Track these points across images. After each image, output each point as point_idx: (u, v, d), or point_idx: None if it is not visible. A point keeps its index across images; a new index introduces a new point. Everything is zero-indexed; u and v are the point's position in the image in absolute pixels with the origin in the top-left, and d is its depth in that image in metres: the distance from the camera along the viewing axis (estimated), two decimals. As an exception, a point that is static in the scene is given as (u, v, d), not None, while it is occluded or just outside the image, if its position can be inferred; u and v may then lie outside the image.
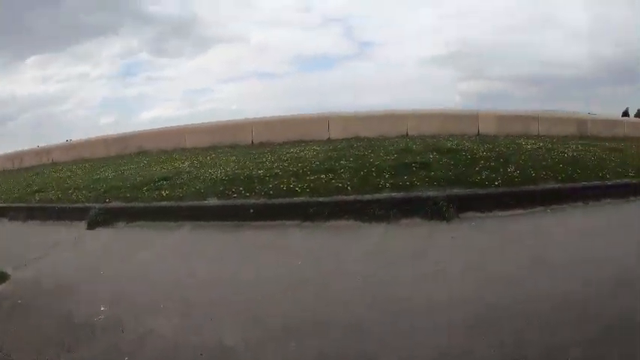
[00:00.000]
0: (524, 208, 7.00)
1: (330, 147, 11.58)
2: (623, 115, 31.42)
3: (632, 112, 33.76)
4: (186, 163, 11.29)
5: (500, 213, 6.76)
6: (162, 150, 15.64)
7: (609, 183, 8.32)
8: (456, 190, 7.01)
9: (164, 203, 7.83)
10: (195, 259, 5.77)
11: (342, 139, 13.61)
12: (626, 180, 8.79)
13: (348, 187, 7.25)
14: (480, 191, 7.15)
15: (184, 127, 18.08)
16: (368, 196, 6.86)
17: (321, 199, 6.96)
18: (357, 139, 13.49)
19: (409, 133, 14.53)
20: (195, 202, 7.65)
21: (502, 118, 16.19)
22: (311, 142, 13.70)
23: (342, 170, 8.29)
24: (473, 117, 15.74)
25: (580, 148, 12.03)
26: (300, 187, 7.36)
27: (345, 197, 6.97)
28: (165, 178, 9.30)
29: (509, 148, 10.46)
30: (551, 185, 7.67)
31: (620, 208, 7.69)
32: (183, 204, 7.69)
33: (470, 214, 6.63)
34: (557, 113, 18.86)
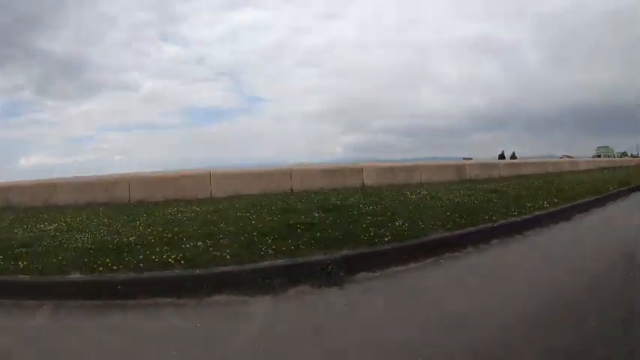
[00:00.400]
0: (416, 260, 6.85)
1: (211, 207, 11.03)
2: (499, 158, 34.49)
3: (507, 155, 37.35)
4: (53, 226, 9.84)
5: (393, 269, 6.53)
6: (30, 207, 13.82)
7: (495, 224, 8.69)
8: (345, 251, 6.69)
9: (21, 278, 6.49)
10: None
11: (225, 198, 13.20)
12: (511, 219, 9.33)
13: (228, 256, 6.60)
14: (370, 249, 6.90)
15: (56, 180, 16.34)
16: (250, 266, 6.22)
17: (198, 271, 6.19)
18: (240, 197, 13.14)
19: (294, 189, 14.55)
20: (58, 277, 6.42)
21: (386, 169, 16.84)
22: (192, 200, 13.14)
23: (221, 236, 7.65)
24: (357, 170, 16.15)
25: (462, 192, 12.68)
26: (173, 258, 6.58)
27: (224, 268, 6.26)
28: (25, 245, 7.85)
29: (395, 201, 10.63)
30: (441, 234, 7.72)
31: (507, 245, 8.06)
32: (43, 279, 6.42)
33: (362, 274, 6.29)
34: (436, 161, 20.11)
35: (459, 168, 19.37)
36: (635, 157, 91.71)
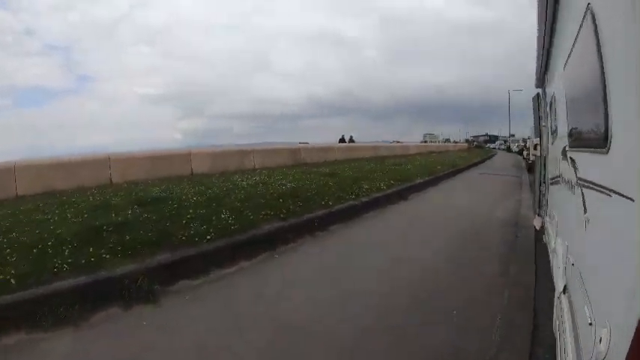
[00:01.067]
0: (248, 258, 5.91)
1: (9, 210, 8.42)
2: (340, 142, 35.34)
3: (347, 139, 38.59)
4: None
5: (220, 273, 5.51)
6: None
7: (333, 209, 8.21)
8: (161, 256, 5.46)
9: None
10: None
11: (32, 196, 10.72)
12: (350, 202, 8.99)
13: (12, 280, 4.86)
14: (192, 251, 5.72)
15: None
16: (40, 290, 4.56)
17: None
18: (51, 193, 10.80)
19: (114, 181, 12.74)
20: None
21: (217, 155, 15.63)
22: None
23: (9, 250, 5.67)
24: (185, 156, 14.67)
25: (297, 177, 12.17)
26: None
27: (7, 297, 4.64)
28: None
29: (224, 189, 9.61)
30: (273, 225, 6.90)
31: (347, 230, 7.63)
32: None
33: (183, 283, 5.17)
34: (271, 145, 19.51)
35: (294, 152, 18.95)
36: (457, 142, 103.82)
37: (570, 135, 3.18)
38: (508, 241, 7.17)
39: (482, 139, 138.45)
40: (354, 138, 41.39)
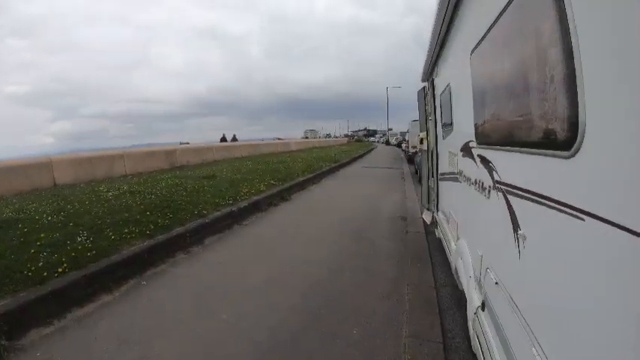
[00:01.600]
0: (109, 290, 4.91)
1: None
2: (221, 141, 34.06)
3: (229, 138, 37.27)
4: None
5: (77, 313, 4.44)
6: None
7: (207, 219, 7.40)
8: (1, 303, 4.21)
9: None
10: None
11: None
12: (227, 209, 8.24)
13: None
14: (41, 291, 4.50)
15: None
16: None
17: None
18: None
19: None
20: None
21: (83, 161, 13.93)
22: None
23: None
24: (45, 165, 12.89)
25: (171, 182, 11.14)
26: None
27: None
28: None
29: (86, 202, 8.42)
30: (139, 245, 5.90)
31: (224, 243, 6.77)
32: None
33: (33, 334, 4.04)
34: (144, 148, 18.05)
35: (169, 154, 17.60)
36: (337, 137, 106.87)
37: (480, 130, 2.80)
38: (398, 236, 6.93)
39: (361, 133, 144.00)
40: (236, 137, 40.26)
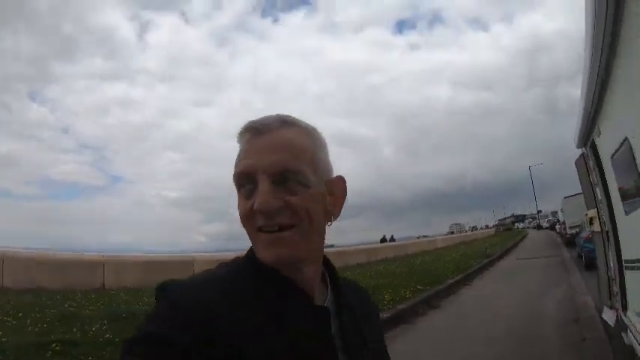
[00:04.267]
0: None
1: None
2: (381, 241, 33.30)
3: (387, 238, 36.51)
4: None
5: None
6: None
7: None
8: None
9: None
10: None
11: (19, 291, 9.68)
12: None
13: None
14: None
15: None
16: None
17: None
18: (37, 291, 9.72)
19: (107, 285, 11.51)
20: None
21: (215, 262, 13.95)
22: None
23: None
24: (188, 263, 13.07)
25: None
26: None
27: None
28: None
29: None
30: None
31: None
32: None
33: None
34: None
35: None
36: (487, 226, 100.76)
37: None
38: (573, 344, 5.46)
39: (508, 220, 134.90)
40: (394, 237, 39.17)
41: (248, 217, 0.82)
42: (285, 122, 0.87)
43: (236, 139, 0.87)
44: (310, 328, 0.83)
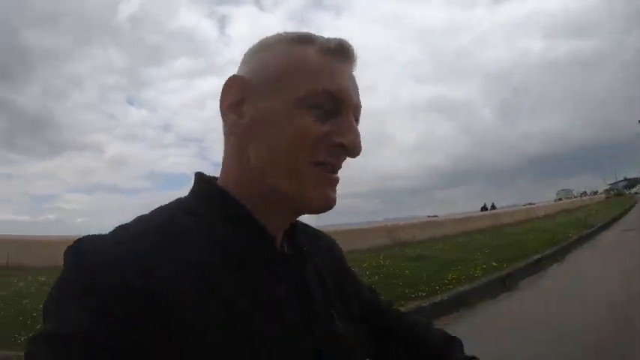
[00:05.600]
0: None
1: None
2: (482, 210, 31.00)
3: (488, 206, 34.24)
4: None
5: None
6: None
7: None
8: None
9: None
10: None
11: None
12: (415, 303, 5.92)
13: None
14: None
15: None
16: None
17: None
18: None
19: None
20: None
21: None
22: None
23: None
24: None
25: (372, 264, 9.38)
26: None
27: None
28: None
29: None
30: None
31: None
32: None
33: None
34: (393, 221, 16.77)
35: (391, 230, 15.78)
36: (596, 193, 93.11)
37: None
38: None
39: (621, 184, 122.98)
40: (495, 205, 36.22)
41: (312, 144, 0.66)
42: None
43: (309, 42, 0.71)
44: (281, 278, 0.69)
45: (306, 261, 0.77)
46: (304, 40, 0.71)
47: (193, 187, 0.75)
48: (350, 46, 0.71)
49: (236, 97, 0.71)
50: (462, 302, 6.44)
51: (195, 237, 0.63)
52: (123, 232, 0.61)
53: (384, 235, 15.55)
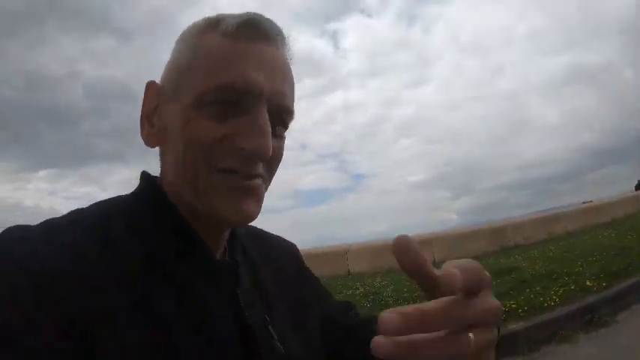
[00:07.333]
0: None
1: None
2: (636, 189, 26.25)
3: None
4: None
5: None
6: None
7: None
8: None
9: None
10: None
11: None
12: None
13: None
14: None
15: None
16: None
17: None
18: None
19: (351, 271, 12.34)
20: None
21: (377, 250, 12.04)
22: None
23: None
24: (426, 242, 11.75)
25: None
26: None
27: None
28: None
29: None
30: None
31: None
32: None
33: None
34: (529, 216, 15.51)
35: (497, 231, 13.12)
36: None
37: None
38: None
39: None
40: None
41: (207, 150, 0.57)
42: (284, 38, 0.64)
43: (215, 27, 0.60)
44: (212, 288, 0.62)
45: (239, 273, 0.68)
46: (211, 25, 0.60)
47: (136, 187, 0.68)
48: (259, 21, 0.59)
49: (152, 104, 0.63)
50: (518, 344, 4.83)
51: (127, 244, 0.57)
52: (50, 228, 0.55)
53: (487, 238, 13.17)
